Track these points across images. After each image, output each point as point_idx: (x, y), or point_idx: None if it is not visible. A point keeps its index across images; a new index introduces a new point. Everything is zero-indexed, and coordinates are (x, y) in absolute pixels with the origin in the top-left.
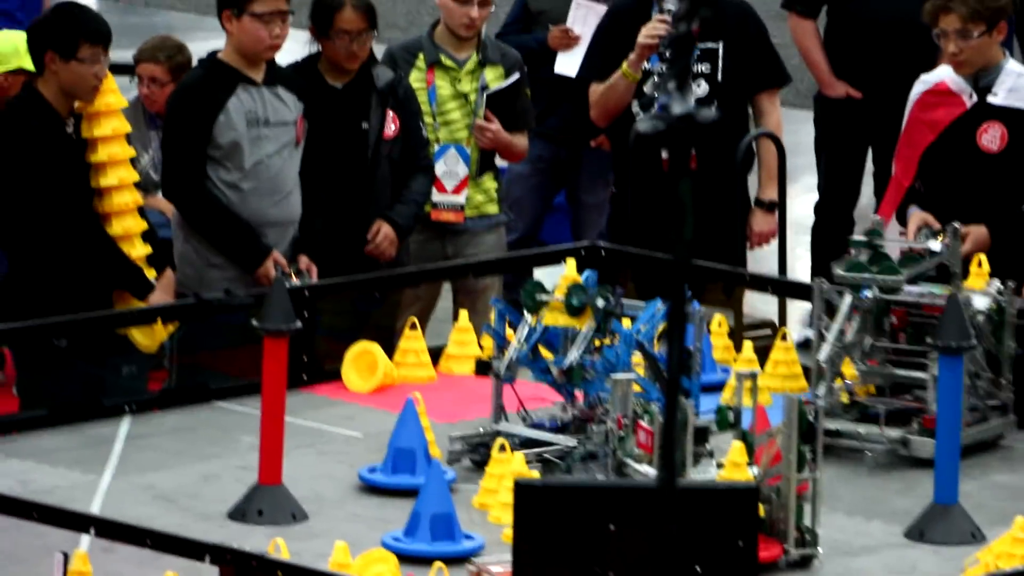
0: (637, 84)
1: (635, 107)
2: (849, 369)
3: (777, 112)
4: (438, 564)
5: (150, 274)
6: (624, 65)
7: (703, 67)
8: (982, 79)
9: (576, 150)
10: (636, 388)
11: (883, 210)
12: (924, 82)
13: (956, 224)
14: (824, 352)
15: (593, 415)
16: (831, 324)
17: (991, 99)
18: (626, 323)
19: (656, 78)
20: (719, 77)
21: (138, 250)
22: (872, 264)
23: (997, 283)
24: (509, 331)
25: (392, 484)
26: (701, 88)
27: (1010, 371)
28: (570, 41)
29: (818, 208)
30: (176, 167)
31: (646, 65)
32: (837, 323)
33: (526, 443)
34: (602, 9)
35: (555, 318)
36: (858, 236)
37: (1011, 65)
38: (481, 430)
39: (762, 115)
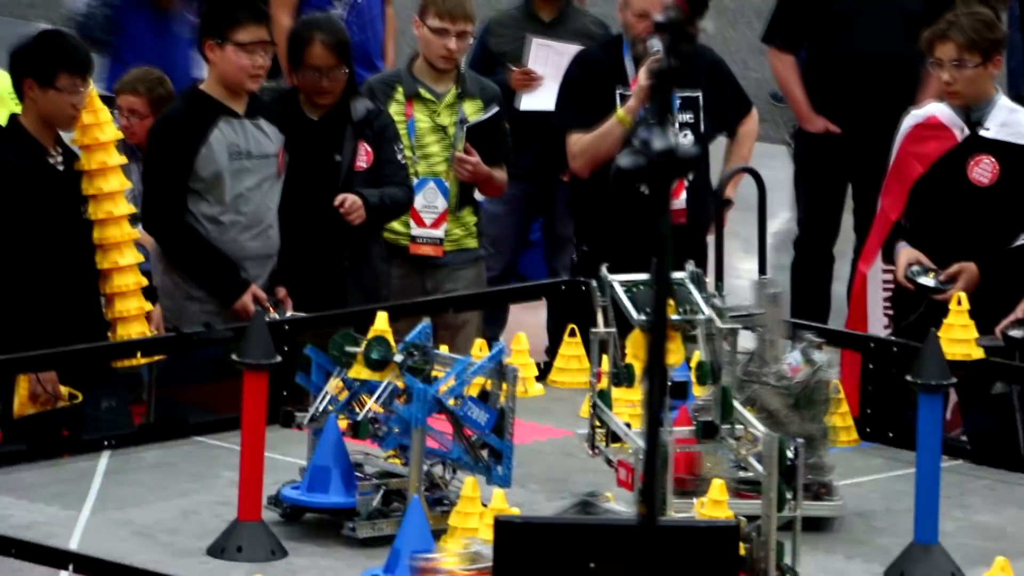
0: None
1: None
2: None
3: (750, 141)
4: None
5: (146, 307)
6: (619, 111)
7: (687, 116)
8: (974, 113)
9: (548, 185)
10: (433, 444)
11: (869, 246)
12: (914, 116)
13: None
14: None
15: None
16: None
17: (983, 132)
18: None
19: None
20: (701, 127)
21: (129, 281)
22: None
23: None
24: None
25: (305, 502)
26: (687, 139)
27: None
28: (532, 82)
29: (797, 243)
30: (156, 200)
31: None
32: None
33: None
34: (562, 48)
35: (359, 371)
36: None
37: (1003, 100)
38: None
39: (737, 145)
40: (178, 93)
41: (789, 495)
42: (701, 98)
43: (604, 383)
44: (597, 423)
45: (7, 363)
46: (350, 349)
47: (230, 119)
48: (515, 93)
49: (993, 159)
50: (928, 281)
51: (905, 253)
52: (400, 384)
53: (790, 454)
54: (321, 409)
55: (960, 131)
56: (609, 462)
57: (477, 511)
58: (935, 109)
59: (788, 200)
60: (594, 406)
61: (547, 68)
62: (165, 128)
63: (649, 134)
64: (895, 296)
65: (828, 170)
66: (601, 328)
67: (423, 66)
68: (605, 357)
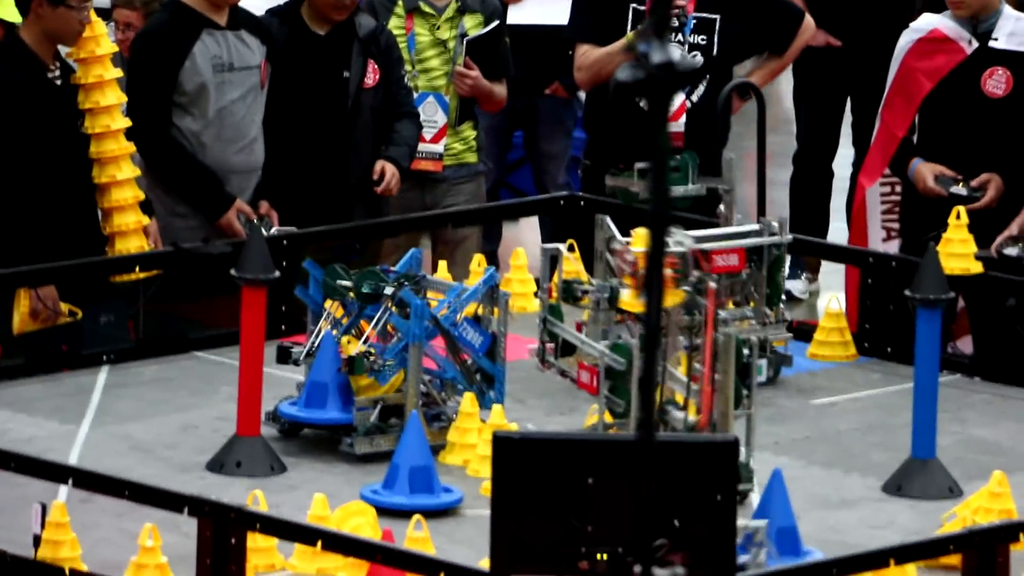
0: None
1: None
2: None
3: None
4: (416, 516)
5: (144, 221)
6: (631, 35)
7: (699, 38)
8: (981, 24)
9: (531, 99)
10: (432, 365)
11: (871, 161)
12: (915, 30)
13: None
14: None
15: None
16: None
17: (993, 44)
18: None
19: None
20: (714, 51)
21: (127, 195)
22: None
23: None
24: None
25: (303, 418)
26: (696, 60)
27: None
28: None
29: (797, 158)
30: (140, 114)
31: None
32: None
33: None
34: None
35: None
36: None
37: (1008, 9)
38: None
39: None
40: (160, 6)
41: (745, 393)
42: (719, 21)
43: (554, 297)
44: (547, 337)
45: (6, 277)
46: (342, 283)
47: (213, 31)
48: (504, 6)
49: (1006, 70)
50: (960, 190)
51: (926, 166)
52: (396, 310)
53: (746, 351)
54: (317, 344)
55: (968, 43)
56: (563, 373)
57: (476, 427)
58: (937, 22)
59: (787, 114)
60: (543, 320)
61: None
62: (148, 41)
63: (647, 47)
64: (905, 209)
65: (828, 84)
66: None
67: None
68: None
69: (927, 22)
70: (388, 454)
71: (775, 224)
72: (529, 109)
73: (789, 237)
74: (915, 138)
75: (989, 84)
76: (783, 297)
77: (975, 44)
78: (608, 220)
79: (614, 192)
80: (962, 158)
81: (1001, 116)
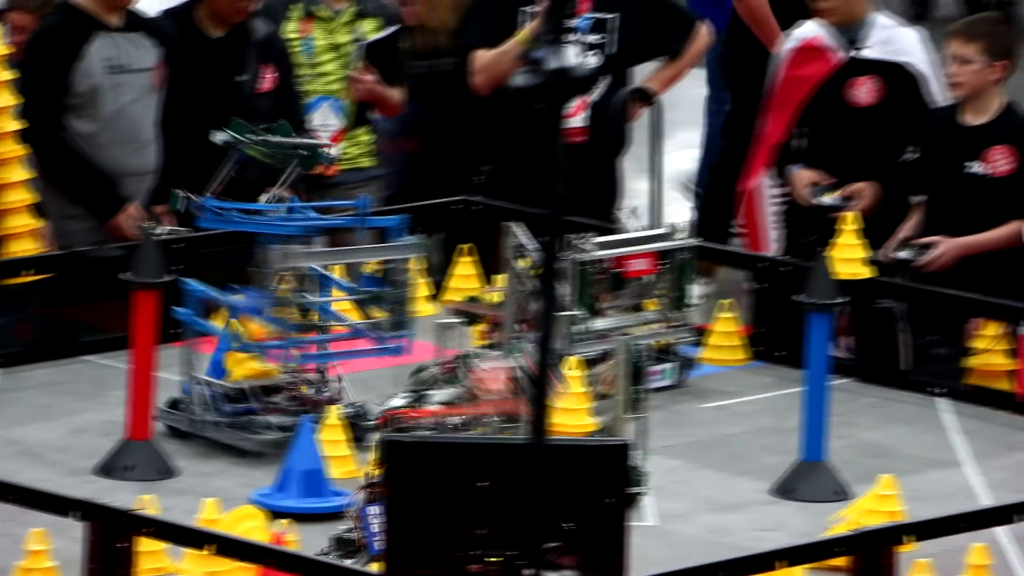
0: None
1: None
2: None
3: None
4: (285, 520)
5: (35, 223)
6: (521, 32)
7: (596, 38)
8: (852, 32)
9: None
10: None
11: (749, 167)
12: (793, 39)
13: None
14: None
15: None
16: None
17: (863, 52)
18: None
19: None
20: (613, 49)
21: (19, 198)
22: None
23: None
24: None
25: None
26: (593, 61)
27: None
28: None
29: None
30: (33, 115)
31: None
32: None
33: None
34: None
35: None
36: None
37: (880, 19)
38: None
39: (669, 65)
40: (54, 8)
41: (639, 397)
42: (617, 20)
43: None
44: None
45: None
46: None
47: (106, 33)
48: None
49: (876, 78)
50: (829, 200)
51: (802, 173)
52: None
53: (639, 356)
54: None
55: (841, 52)
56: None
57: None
58: (813, 31)
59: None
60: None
61: None
62: (40, 43)
63: (543, 53)
64: (787, 214)
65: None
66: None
67: None
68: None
69: (804, 31)
70: (280, 455)
71: (682, 228)
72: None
73: (695, 241)
74: (797, 143)
75: (857, 93)
76: (689, 300)
77: (847, 53)
78: (516, 228)
79: None
80: (838, 165)
81: (871, 124)
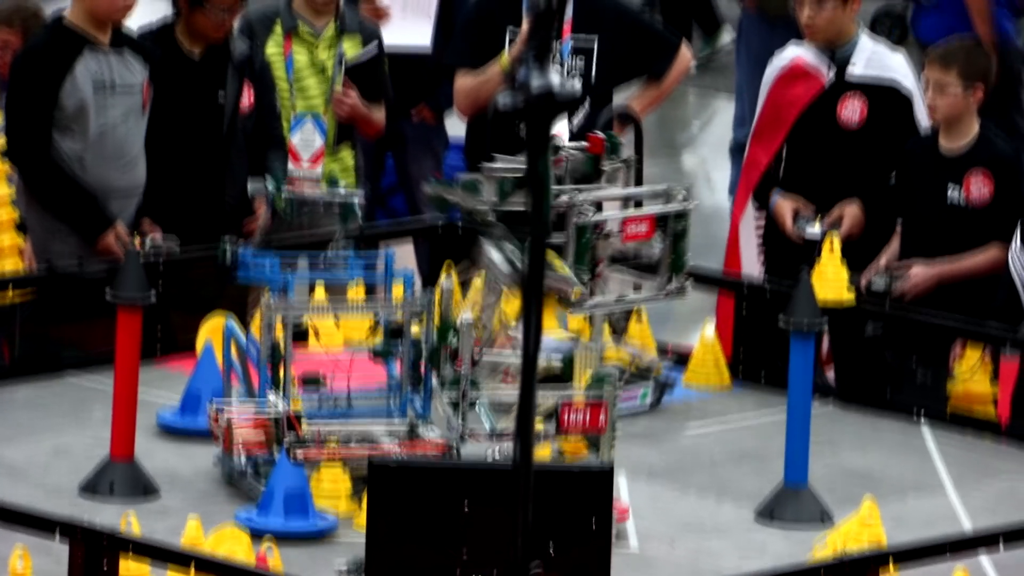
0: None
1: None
2: None
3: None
4: (267, 541)
5: (18, 241)
6: (503, 55)
7: (577, 61)
8: (838, 53)
9: (397, 123)
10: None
11: (740, 194)
12: (778, 61)
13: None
14: None
15: None
16: None
17: (849, 73)
18: None
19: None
20: (593, 74)
21: (1, 215)
22: None
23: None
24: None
25: (178, 424)
26: (575, 84)
27: None
28: (380, 14)
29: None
30: (19, 132)
31: None
32: None
33: None
34: None
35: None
36: None
37: (866, 39)
38: None
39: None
40: (42, 25)
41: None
42: (596, 44)
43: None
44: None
45: None
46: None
47: (95, 50)
48: None
49: (861, 99)
50: (815, 232)
51: (784, 203)
52: None
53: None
54: None
55: (826, 73)
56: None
57: None
58: (799, 52)
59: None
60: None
61: (400, 3)
62: (28, 59)
63: (528, 74)
64: (767, 238)
65: None
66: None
67: (302, 2)
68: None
69: (789, 53)
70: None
71: (680, 191)
72: (396, 133)
73: (693, 204)
74: (779, 169)
75: (844, 113)
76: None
77: (833, 73)
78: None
79: (431, 200)
80: (822, 188)
81: (856, 145)
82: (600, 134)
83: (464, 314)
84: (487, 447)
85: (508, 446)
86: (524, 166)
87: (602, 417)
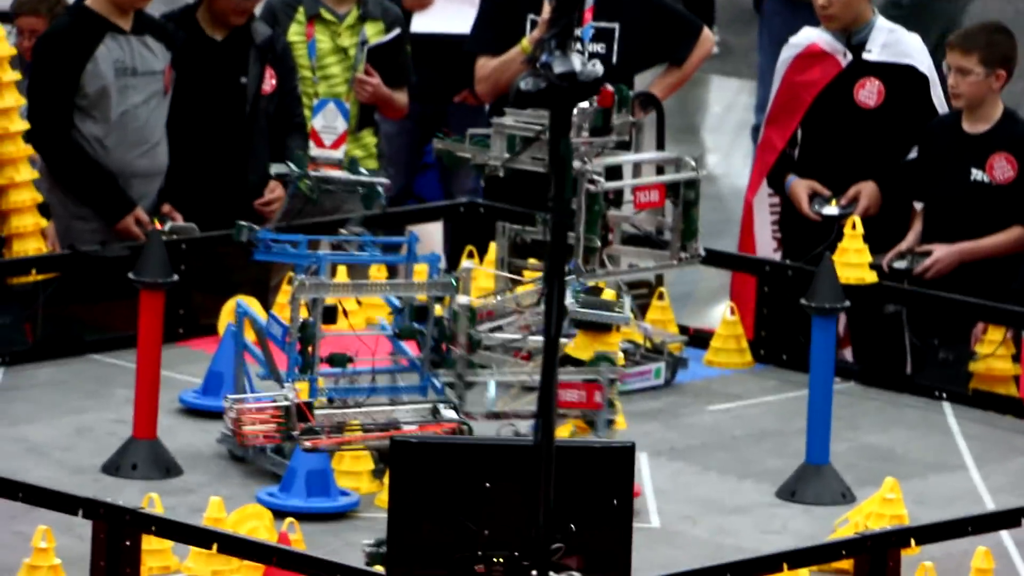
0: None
1: None
2: None
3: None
4: (289, 519)
5: (42, 223)
6: (524, 40)
7: (598, 47)
8: (854, 36)
9: (441, 106)
10: None
11: (754, 176)
12: (793, 46)
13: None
14: None
15: None
16: None
17: (866, 55)
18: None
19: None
20: (614, 59)
21: (25, 198)
22: None
23: None
24: None
25: (200, 405)
26: (597, 68)
27: None
28: (423, 1)
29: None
30: (42, 116)
31: None
32: None
33: None
34: None
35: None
36: None
37: (881, 21)
38: None
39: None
40: (64, 9)
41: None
42: (618, 30)
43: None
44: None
45: None
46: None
47: (116, 35)
48: (409, 14)
49: (878, 81)
50: (833, 211)
51: (800, 185)
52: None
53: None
54: None
55: (843, 56)
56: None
57: None
58: (814, 36)
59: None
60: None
61: None
62: (50, 43)
63: (550, 58)
64: (784, 220)
65: None
66: None
67: None
68: None
69: (804, 37)
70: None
71: (690, 160)
72: (439, 116)
73: (704, 172)
74: (794, 152)
75: (861, 95)
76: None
77: (849, 57)
78: (512, 228)
79: (439, 155)
80: (839, 170)
81: (874, 127)
82: (610, 87)
83: (460, 298)
84: (488, 426)
85: (515, 424)
86: (533, 120)
87: (597, 396)
